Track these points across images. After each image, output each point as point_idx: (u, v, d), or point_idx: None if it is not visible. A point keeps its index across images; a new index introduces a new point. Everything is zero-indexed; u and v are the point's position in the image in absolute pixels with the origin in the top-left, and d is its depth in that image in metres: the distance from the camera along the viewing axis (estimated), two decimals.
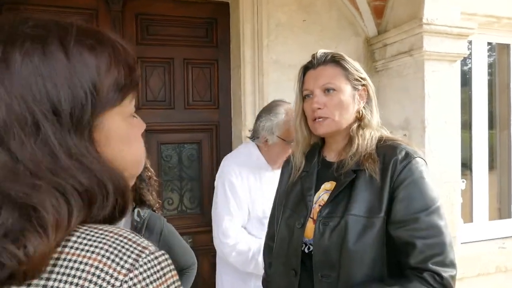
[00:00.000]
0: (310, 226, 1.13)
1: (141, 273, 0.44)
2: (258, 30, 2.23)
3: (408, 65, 2.25)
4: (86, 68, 0.48)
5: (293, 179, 1.25)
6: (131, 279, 0.43)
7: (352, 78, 1.15)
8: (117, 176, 0.50)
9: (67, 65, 0.47)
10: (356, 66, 1.18)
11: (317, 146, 1.26)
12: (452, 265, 1.00)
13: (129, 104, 0.54)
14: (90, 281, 0.42)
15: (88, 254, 0.44)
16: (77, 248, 0.44)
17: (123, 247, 0.45)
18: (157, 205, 1.39)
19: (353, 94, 1.15)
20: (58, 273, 0.43)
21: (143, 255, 0.45)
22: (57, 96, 0.46)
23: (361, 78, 1.17)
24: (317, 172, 1.20)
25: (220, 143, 2.50)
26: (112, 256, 0.44)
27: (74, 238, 0.45)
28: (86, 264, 0.43)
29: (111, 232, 0.47)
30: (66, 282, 0.42)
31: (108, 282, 0.42)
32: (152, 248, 0.47)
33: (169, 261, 0.48)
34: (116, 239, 0.46)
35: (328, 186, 1.17)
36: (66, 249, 0.44)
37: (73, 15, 2.21)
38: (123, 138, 0.53)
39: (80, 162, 0.47)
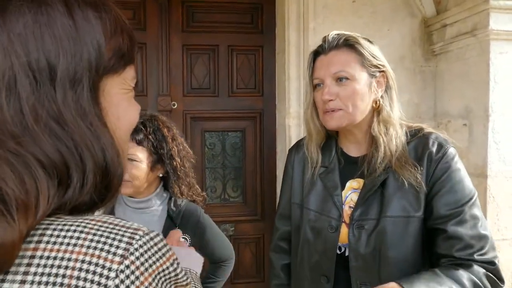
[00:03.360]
0: (343, 230, 1.04)
1: (137, 258, 0.39)
2: (304, 12, 2.13)
3: (470, 47, 2.03)
4: (90, 26, 0.45)
5: (309, 176, 1.13)
6: (127, 266, 0.38)
7: (369, 64, 1.01)
8: (107, 151, 0.44)
9: (69, 21, 0.43)
10: (373, 51, 1.03)
11: (332, 138, 1.13)
12: (494, 249, 0.98)
13: (129, 77, 0.50)
14: (78, 278, 0.36)
15: (70, 248, 0.38)
16: (55, 243, 0.38)
17: (110, 233, 0.40)
18: (187, 197, 1.32)
19: (369, 82, 1.01)
20: (35, 274, 0.37)
21: (137, 237, 0.40)
22: (55, 51, 0.42)
23: (380, 64, 1.03)
24: (339, 167, 1.09)
25: (264, 131, 2.45)
26: (100, 245, 0.38)
27: (49, 232, 0.39)
28: (69, 259, 0.37)
29: (92, 220, 0.41)
30: (47, 284, 0.36)
31: (101, 275, 0.37)
32: (145, 228, 0.42)
33: (165, 240, 0.43)
34: (101, 226, 0.40)
35: (355, 184, 1.06)
36: (42, 245, 0.38)
37: (121, 3, 2.26)
38: (120, 111, 0.48)
39: (53, 128, 0.41)
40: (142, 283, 0.39)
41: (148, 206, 1.29)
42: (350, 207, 1.04)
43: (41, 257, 0.37)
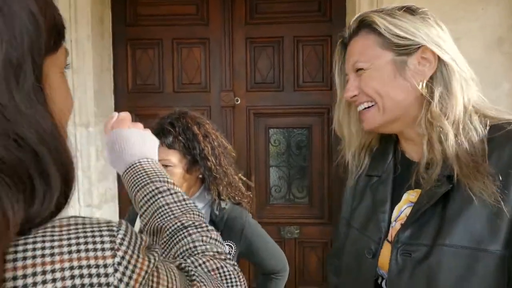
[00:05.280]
0: (386, 253, 0.81)
1: (128, 247, 0.38)
2: None
3: None
4: None
5: (361, 186, 0.93)
6: (122, 257, 0.37)
7: (394, 44, 0.78)
8: (63, 150, 0.38)
9: None
10: (398, 25, 0.78)
11: (390, 140, 0.91)
12: None
13: (63, 57, 0.42)
14: (74, 287, 0.34)
15: (51, 259, 0.34)
16: (33, 257, 0.33)
17: (85, 232, 0.37)
18: (229, 198, 1.20)
19: (401, 62, 0.78)
20: None
21: (114, 228, 0.39)
22: None
23: (409, 40, 0.77)
24: (393, 177, 0.86)
25: (332, 128, 2.26)
26: (82, 247, 0.36)
27: (20, 248, 0.34)
28: (53, 271, 0.34)
29: (59, 226, 0.37)
30: None
31: (98, 275, 0.35)
32: (112, 220, 0.40)
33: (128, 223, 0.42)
34: (69, 230, 0.37)
35: (412, 196, 0.82)
36: (19, 263, 0.33)
37: None
38: (61, 97, 0.41)
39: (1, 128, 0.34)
40: (141, 268, 0.38)
41: None
42: (402, 224, 0.81)
43: (24, 276, 0.34)
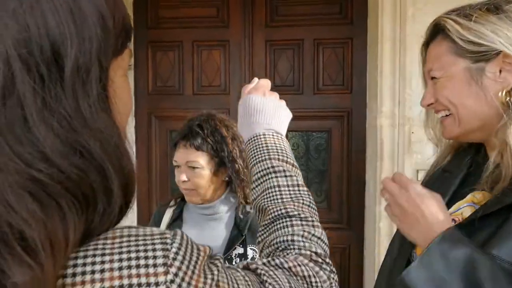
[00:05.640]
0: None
1: (182, 262, 0.35)
2: None
3: None
4: None
5: (430, 179, 0.89)
6: (175, 275, 0.34)
7: (468, 51, 0.72)
8: (127, 160, 0.35)
9: None
10: (477, 28, 0.71)
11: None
12: None
13: (128, 57, 0.40)
14: None
15: (100, 276, 0.32)
16: (83, 273, 0.32)
17: (137, 245, 0.34)
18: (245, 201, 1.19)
19: (477, 71, 0.72)
20: None
21: (168, 241, 0.35)
22: (60, 35, 0.32)
23: (487, 44, 0.71)
24: (464, 174, 0.82)
25: (352, 132, 2.24)
26: (134, 263, 0.33)
27: (70, 263, 0.32)
28: None
29: (111, 238, 0.34)
30: None
31: None
32: (166, 230, 0.37)
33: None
34: (121, 242, 0.34)
35: (478, 197, 0.77)
36: (68, 280, 0.32)
37: (205, 1, 2.24)
38: (127, 101, 0.39)
39: (68, 140, 0.32)
40: (196, 286, 0.35)
41: (215, 212, 1.20)
42: (454, 220, 0.77)
43: None
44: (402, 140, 1.92)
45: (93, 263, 0.32)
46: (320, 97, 2.25)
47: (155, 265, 0.33)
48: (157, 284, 0.33)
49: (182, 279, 0.34)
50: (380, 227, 1.99)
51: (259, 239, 0.60)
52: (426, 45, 0.82)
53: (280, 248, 0.54)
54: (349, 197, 2.25)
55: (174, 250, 0.35)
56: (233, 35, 2.26)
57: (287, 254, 0.53)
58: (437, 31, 0.78)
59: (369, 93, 2.15)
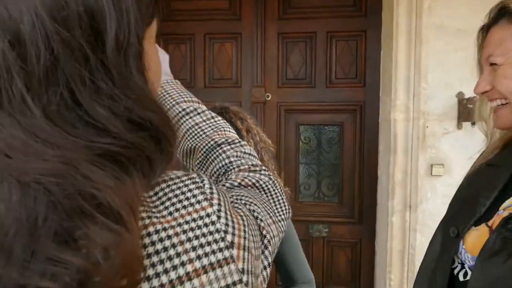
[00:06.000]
0: (477, 237, 0.74)
1: (218, 194, 0.39)
2: None
3: None
4: None
5: (474, 172, 0.86)
6: (219, 204, 0.38)
7: None
8: (173, 127, 0.37)
9: None
10: None
11: None
12: None
13: (155, 26, 0.39)
14: (189, 239, 0.35)
15: (162, 225, 0.35)
16: (149, 217, 0.35)
17: (172, 190, 0.38)
18: None
19: None
20: (153, 265, 0.33)
21: (198, 180, 0.39)
22: (99, 5, 0.31)
23: None
24: None
25: (365, 125, 2.21)
26: (179, 205, 0.36)
27: (148, 221, 0.36)
28: (164, 229, 0.34)
29: (150, 197, 0.37)
30: (161, 262, 0.33)
31: (206, 225, 0.36)
32: (190, 171, 0.41)
33: None
34: (161, 193, 0.37)
35: None
36: (153, 234, 0.35)
37: None
38: (157, 69, 0.39)
39: (120, 114, 0.32)
40: (236, 209, 0.40)
41: None
42: (504, 210, 0.74)
43: (157, 232, 0.35)
44: (417, 134, 1.89)
45: (149, 217, 0.35)
46: (333, 91, 2.22)
47: (198, 202, 0.37)
48: (208, 215, 0.37)
49: (225, 207, 0.38)
50: (393, 221, 1.97)
51: None
52: (486, 29, 0.78)
53: (221, 173, 0.59)
54: (361, 192, 2.24)
55: (206, 185, 0.39)
56: (245, 28, 2.25)
57: (229, 175, 0.57)
58: (502, 14, 0.74)
59: (383, 87, 2.12)
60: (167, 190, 0.37)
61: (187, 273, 0.33)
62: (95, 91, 0.31)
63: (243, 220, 0.40)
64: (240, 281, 0.36)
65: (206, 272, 0.34)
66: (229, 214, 0.39)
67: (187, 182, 0.39)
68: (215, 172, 0.60)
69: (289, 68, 2.25)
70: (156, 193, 0.37)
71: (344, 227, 2.26)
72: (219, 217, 0.37)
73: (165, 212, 0.36)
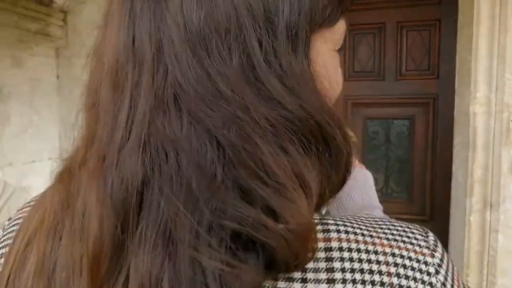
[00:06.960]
0: None
1: (442, 252, 0.33)
2: None
3: None
4: None
5: None
6: (441, 260, 0.32)
7: None
8: (341, 127, 0.34)
9: None
10: None
11: None
12: None
13: (340, 32, 0.37)
14: (398, 275, 0.30)
15: (369, 239, 0.31)
16: (346, 232, 0.31)
17: (394, 225, 0.33)
18: None
19: None
20: (343, 270, 0.30)
21: (422, 231, 0.34)
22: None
23: None
24: None
25: (438, 119, 2.11)
26: (398, 237, 0.32)
27: (331, 221, 0.32)
28: (376, 252, 0.30)
29: (351, 216, 0.34)
30: (364, 283, 0.29)
31: (421, 271, 0.31)
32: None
33: None
34: (375, 221, 0.33)
35: None
36: (332, 234, 0.31)
37: None
38: (334, 78, 0.37)
39: (295, 93, 0.31)
40: (458, 281, 0.33)
41: None
42: None
43: (340, 249, 0.31)
44: (499, 129, 1.77)
45: (352, 226, 0.32)
46: (403, 83, 2.14)
47: (419, 245, 0.32)
48: (426, 263, 0.31)
49: (447, 267, 0.32)
50: (471, 221, 1.87)
51: None
52: None
53: None
54: (433, 188, 2.14)
55: (432, 238, 0.33)
56: None
57: None
58: None
59: (459, 78, 2.01)
60: (381, 222, 0.34)
61: None
62: (272, 68, 0.31)
63: None
64: None
65: None
66: (450, 277, 0.32)
67: (410, 226, 0.34)
68: None
69: (356, 61, 2.20)
70: (362, 218, 0.34)
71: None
72: (437, 271, 0.31)
73: (381, 234, 0.32)
